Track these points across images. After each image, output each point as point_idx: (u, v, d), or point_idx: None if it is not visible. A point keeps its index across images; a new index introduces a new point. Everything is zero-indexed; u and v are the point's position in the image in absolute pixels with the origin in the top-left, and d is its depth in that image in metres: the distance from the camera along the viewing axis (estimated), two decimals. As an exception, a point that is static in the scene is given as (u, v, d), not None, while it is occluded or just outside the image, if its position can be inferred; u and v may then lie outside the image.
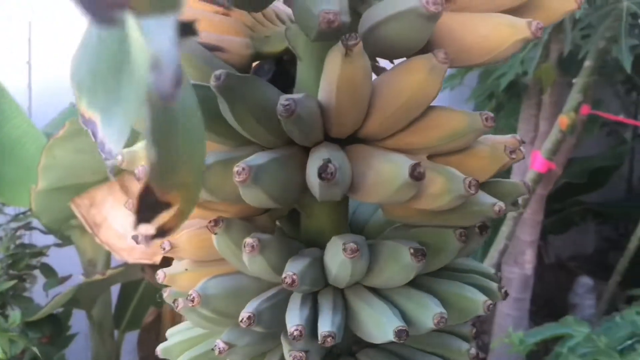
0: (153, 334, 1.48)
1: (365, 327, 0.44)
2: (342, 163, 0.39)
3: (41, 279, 1.39)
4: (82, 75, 0.30)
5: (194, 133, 0.18)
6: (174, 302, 0.50)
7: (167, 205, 0.17)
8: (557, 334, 1.37)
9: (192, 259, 0.49)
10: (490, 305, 0.46)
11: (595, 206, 2.88)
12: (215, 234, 0.44)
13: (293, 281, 0.41)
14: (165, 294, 0.53)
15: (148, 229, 0.18)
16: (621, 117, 2.54)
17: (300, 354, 0.43)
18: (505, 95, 1.99)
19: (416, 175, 0.38)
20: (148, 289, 1.52)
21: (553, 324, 1.43)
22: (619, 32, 1.50)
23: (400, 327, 0.41)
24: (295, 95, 0.38)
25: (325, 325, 0.42)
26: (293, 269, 0.42)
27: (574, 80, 1.86)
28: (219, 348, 0.46)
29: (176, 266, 0.49)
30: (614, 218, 2.96)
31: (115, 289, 1.53)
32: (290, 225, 0.53)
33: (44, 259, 1.43)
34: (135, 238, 0.52)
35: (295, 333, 0.41)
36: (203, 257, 0.49)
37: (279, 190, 0.40)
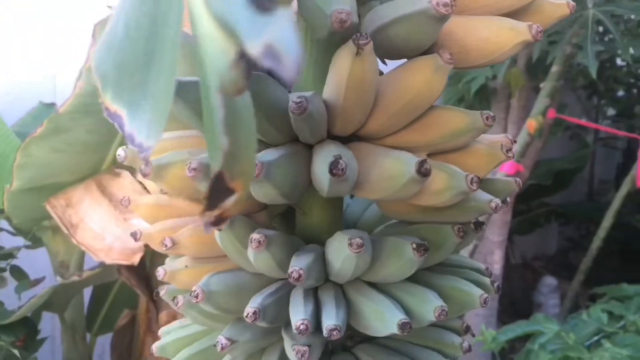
0: (127, 337, 1.46)
1: (367, 321, 0.45)
2: (351, 159, 0.40)
3: (11, 282, 1.36)
4: (106, 69, 0.30)
5: (251, 124, 0.19)
6: (173, 300, 0.50)
7: (232, 192, 0.18)
8: (529, 331, 1.41)
9: (192, 256, 0.49)
10: (487, 299, 0.47)
11: (559, 207, 2.97)
12: (220, 230, 0.44)
13: (300, 276, 0.42)
14: (163, 292, 0.52)
15: (210, 215, 0.19)
16: (585, 121, 2.62)
17: (304, 348, 0.44)
18: (474, 98, 2.03)
19: (423, 171, 0.39)
20: (122, 291, 1.49)
21: (524, 321, 1.47)
22: (585, 38, 1.55)
23: (403, 320, 0.42)
24: (305, 93, 0.39)
25: (331, 319, 0.43)
26: (300, 264, 0.42)
27: (541, 85, 1.92)
28: (222, 344, 0.46)
29: (176, 263, 0.49)
30: (576, 219, 3.05)
31: (87, 291, 1.50)
32: (284, 223, 0.54)
33: (14, 261, 1.40)
34: (134, 235, 0.52)
35: (301, 327, 0.42)
36: (203, 253, 0.49)
37: (289, 185, 0.41)
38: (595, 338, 1.48)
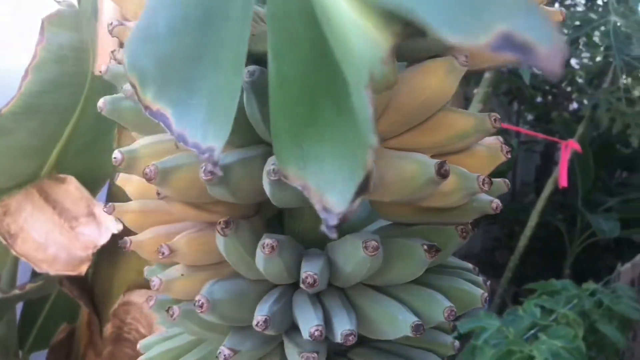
0: (63, 353, 1.38)
1: (375, 324, 0.45)
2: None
3: None
4: (145, 65, 0.28)
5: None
6: (167, 311, 0.47)
7: (366, 191, 0.17)
8: (472, 328, 1.46)
9: (187, 264, 0.47)
10: (487, 298, 0.48)
11: (485, 208, 3.09)
12: (226, 236, 0.42)
13: (315, 281, 0.41)
14: (151, 303, 0.50)
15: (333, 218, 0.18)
16: (512, 126, 2.76)
17: (313, 355, 0.43)
18: (410, 103, 2.08)
19: (442, 172, 0.39)
20: (57, 304, 1.41)
21: (467, 319, 1.52)
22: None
23: (417, 322, 0.42)
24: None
25: (345, 324, 0.42)
26: (314, 268, 0.41)
27: (475, 91, 2.00)
28: (225, 355, 0.44)
29: (171, 272, 0.47)
30: (500, 219, 3.20)
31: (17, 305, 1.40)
32: (273, 227, 0.53)
33: None
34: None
35: (316, 334, 0.41)
36: (200, 261, 0.47)
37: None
38: (532, 332, 1.55)
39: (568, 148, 2.27)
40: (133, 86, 0.28)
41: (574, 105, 3.42)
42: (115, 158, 0.43)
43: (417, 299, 0.45)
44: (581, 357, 1.51)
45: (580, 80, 3.13)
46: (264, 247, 0.41)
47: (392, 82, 0.15)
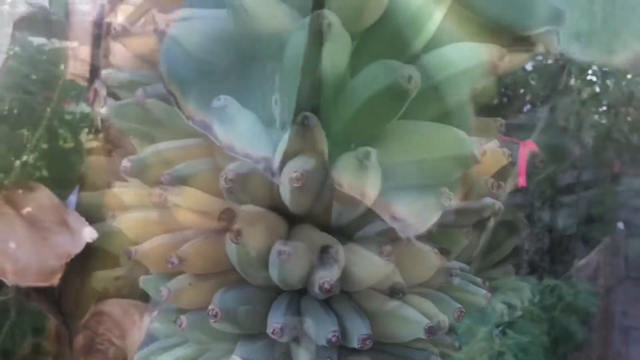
0: (29, 367, 1.33)
1: (387, 328, 0.45)
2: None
3: None
4: (186, 74, 0.28)
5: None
6: (175, 321, 0.46)
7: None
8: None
9: (194, 273, 0.46)
10: (490, 298, 0.49)
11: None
12: (238, 243, 0.42)
13: (331, 287, 0.41)
14: (155, 314, 0.49)
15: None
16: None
17: (327, 361, 0.43)
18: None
19: (457, 176, 0.40)
20: (20, 319, 1.36)
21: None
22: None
23: (430, 324, 0.43)
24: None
25: (361, 328, 0.42)
26: (329, 274, 0.41)
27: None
28: (237, 364, 0.43)
29: (179, 281, 0.46)
30: (460, 219, 3.26)
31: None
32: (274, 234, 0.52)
33: None
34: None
35: (333, 339, 0.41)
36: (206, 269, 0.46)
37: (323, 192, 0.40)
38: (500, 328, 1.59)
39: (526, 148, 2.34)
40: (172, 95, 0.28)
41: (528, 107, 3.52)
42: (124, 166, 0.42)
43: (425, 302, 0.46)
44: (546, 351, 1.56)
45: (533, 83, 3.23)
46: (280, 254, 0.40)
47: (492, 95, 0.16)
